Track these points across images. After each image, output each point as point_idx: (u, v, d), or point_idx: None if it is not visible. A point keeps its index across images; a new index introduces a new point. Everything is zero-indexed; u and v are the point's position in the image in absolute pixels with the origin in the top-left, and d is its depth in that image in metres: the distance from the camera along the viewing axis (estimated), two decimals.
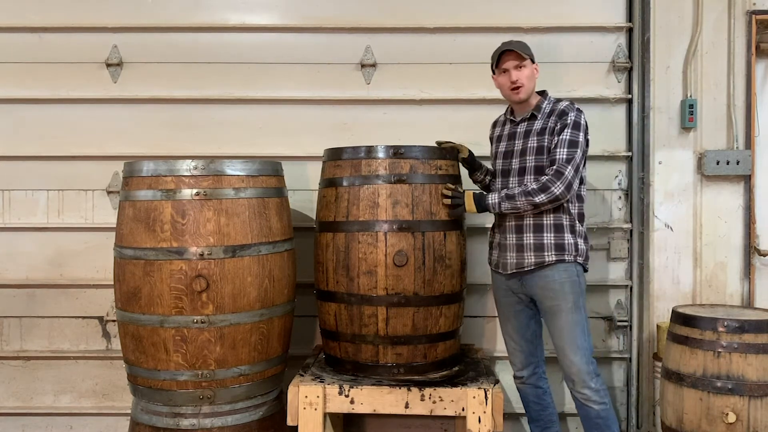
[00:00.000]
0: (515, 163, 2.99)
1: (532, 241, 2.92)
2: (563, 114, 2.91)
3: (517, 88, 2.94)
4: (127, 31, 3.70)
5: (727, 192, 3.62)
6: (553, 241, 2.91)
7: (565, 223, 2.93)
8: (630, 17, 3.67)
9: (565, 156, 2.85)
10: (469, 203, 2.97)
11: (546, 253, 2.90)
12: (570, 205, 2.93)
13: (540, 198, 2.83)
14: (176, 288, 2.86)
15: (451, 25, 3.68)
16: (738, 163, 3.55)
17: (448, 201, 3.00)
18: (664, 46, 3.61)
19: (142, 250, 2.90)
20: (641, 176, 3.63)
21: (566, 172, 2.82)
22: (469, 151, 3.22)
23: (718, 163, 3.56)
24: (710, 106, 3.60)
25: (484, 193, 3.01)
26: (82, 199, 3.74)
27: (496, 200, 2.92)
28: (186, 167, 2.90)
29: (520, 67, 2.94)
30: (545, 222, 2.92)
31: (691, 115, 3.56)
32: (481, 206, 2.96)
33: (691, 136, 3.62)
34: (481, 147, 3.63)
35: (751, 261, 3.61)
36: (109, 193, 3.71)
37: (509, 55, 2.94)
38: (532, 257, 2.92)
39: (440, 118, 3.67)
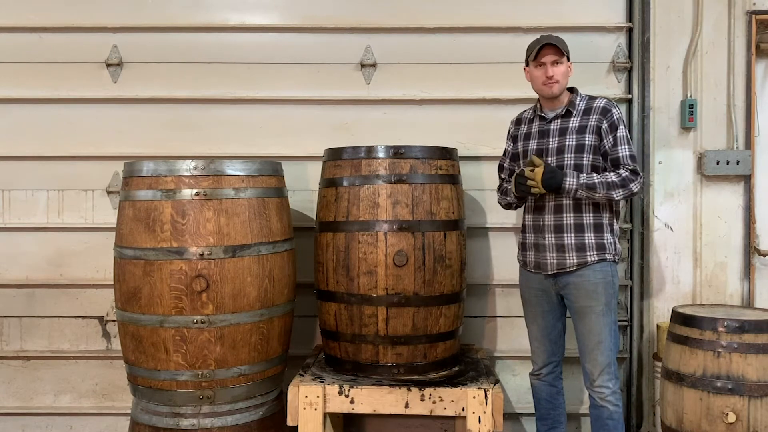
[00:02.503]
0: (552, 161, 2.91)
1: (573, 242, 2.89)
2: (606, 111, 2.90)
3: (552, 83, 2.91)
4: (127, 31, 3.70)
5: (727, 192, 3.62)
6: (594, 241, 2.89)
7: (605, 222, 2.92)
8: (630, 17, 3.67)
9: (628, 153, 2.88)
10: (538, 182, 2.81)
11: (588, 253, 2.87)
12: (614, 203, 2.94)
13: (618, 193, 2.83)
14: (176, 288, 2.86)
15: (451, 25, 3.67)
16: (738, 163, 3.55)
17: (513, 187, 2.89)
18: (664, 46, 3.61)
19: (142, 250, 2.90)
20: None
21: (640, 170, 2.88)
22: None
23: (718, 163, 3.56)
24: (710, 106, 3.60)
25: (558, 171, 2.84)
26: (82, 199, 3.73)
27: (573, 186, 2.81)
28: (186, 167, 2.90)
29: (557, 63, 2.90)
30: (585, 222, 2.90)
31: (691, 115, 3.56)
32: (551, 188, 2.82)
33: (691, 136, 3.62)
34: (481, 147, 3.64)
35: (751, 261, 3.61)
36: (109, 193, 3.71)
37: (549, 49, 2.90)
38: (575, 258, 2.88)
39: (440, 118, 3.67)
